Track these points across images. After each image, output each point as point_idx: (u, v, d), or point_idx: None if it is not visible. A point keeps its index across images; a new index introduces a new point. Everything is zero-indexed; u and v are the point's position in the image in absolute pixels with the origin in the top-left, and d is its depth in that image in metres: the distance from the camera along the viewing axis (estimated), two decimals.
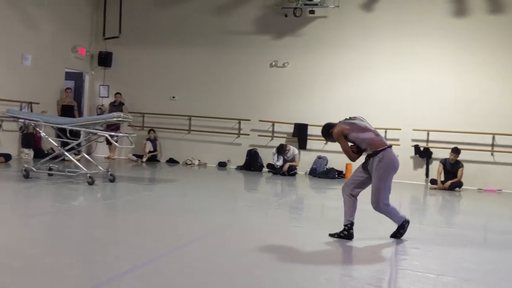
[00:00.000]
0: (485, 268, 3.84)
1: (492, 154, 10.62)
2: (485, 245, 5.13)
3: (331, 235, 4.51)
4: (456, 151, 10.03)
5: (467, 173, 10.08)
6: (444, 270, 3.65)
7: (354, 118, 4.74)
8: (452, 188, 9.88)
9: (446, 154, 10.29)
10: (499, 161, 10.56)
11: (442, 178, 10.11)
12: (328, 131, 4.67)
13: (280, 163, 11.06)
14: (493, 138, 10.55)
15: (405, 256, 4.03)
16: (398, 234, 4.63)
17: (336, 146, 11.01)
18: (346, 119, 4.75)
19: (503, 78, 10.56)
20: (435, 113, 10.84)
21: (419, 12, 11.07)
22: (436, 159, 10.72)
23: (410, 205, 7.93)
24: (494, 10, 10.65)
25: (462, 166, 10.01)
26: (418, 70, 11.03)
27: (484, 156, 10.63)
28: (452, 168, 10.06)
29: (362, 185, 4.54)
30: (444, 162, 10.17)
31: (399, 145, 11.07)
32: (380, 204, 4.44)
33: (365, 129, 4.54)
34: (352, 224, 4.45)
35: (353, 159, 4.59)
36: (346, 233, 4.43)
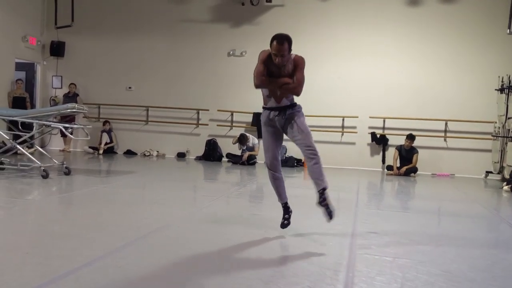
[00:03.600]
0: (439, 250, 3.98)
1: (445, 140, 10.98)
2: (439, 227, 5.31)
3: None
4: (411, 137, 10.31)
5: (421, 159, 10.39)
6: (400, 253, 3.76)
7: None
8: (407, 173, 10.17)
9: (401, 140, 10.57)
10: (452, 147, 10.93)
11: (398, 164, 10.39)
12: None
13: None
14: (446, 124, 10.90)
15: (362, 240, 4.12)
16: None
17: None
18: None
19: (456, 66, 10.91)
20: (391, 101, 11.10)
21: (374, 1, 11.25)
22: (392, 145, 10.99)
23: (368, 190, 8.12)
24: (446, 0, 10.95)
25: (417, 152, 10.31)
26: (375, 58, 11.24)
27: (437, 142, 10.98)
28: (407, 154, 10.34)
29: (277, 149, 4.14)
30: (399, 148, 10.45)
31: (356, 132, 11.29)
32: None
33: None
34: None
35: (260, 83, 4.07)
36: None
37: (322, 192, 3.94)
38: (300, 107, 4.09)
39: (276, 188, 4.24)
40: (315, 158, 3.91)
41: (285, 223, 4.22)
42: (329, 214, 3.98)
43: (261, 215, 5.33)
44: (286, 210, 4.28)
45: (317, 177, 3.94)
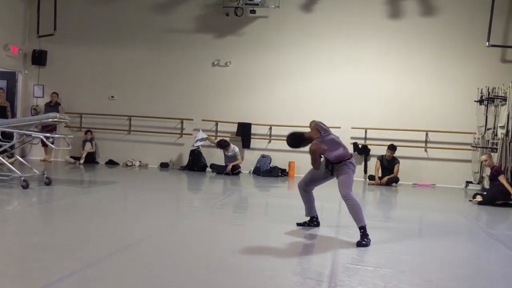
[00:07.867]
0: (420, 259, 4.02)
1: (425, 151, 11.11)
2: (420, 237, 5.37)
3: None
4: (392, 148, 10.42)
5: (402, 169, 10.50)
6: (382, 263, 3.79)
7: (327, 132, 4.65)
8: (389, 183, 10.26)
9: (383, 151, 10.67)
10: (432, 157, 11.07)
11: (380, 174, 10.48)
12: (299, 143, 4.63)
13: (200, 136, 11.42)
14: (426, 135, 11.04)
15: (345, 250, 4.14)
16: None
17: (279, 145, 11.04)
18: (317, 129, 4.62)
19: (435, 78, 11.07)
20: (373, 111, 11.21)
21: (357, 13, 11.39)
22: (373, 155, 11.08)
23: None
24: (425, 13, 11.15)
25: (398, 162, 10.42)
26: (356, 69, 11.35)
27: (418, 152, 11.10)
28: (388, 164, 10.45)
29: (319, 181, 4.99)
30: (381, 158, 10.55)
31: None
32: (351, 192, 4.63)
33: (338, 146, 4.68)
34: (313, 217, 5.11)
35: (317, 168, 4.75)
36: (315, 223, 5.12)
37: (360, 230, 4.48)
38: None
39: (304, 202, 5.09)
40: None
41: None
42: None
43: (244, 225, 5.32)
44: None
45: (353, 217, 4.57)
